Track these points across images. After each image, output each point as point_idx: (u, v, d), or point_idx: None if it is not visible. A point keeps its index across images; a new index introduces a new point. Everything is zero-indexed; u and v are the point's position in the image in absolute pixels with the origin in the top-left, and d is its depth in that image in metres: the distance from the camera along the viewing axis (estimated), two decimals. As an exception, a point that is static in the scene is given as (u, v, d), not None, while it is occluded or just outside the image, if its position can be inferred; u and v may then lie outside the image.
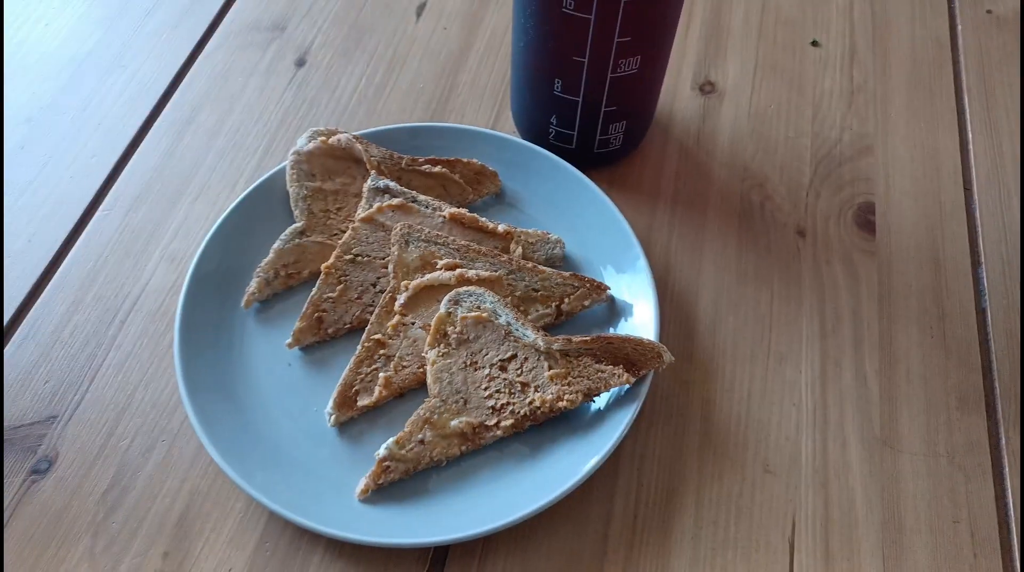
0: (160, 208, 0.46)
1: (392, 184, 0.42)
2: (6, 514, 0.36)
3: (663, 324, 0.42)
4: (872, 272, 0.45)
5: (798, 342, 0.42)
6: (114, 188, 0.46)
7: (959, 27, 0.57)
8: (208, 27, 0.55)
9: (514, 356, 0.37)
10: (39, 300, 0.42)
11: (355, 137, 0.44)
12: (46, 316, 0.41)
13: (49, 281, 0.43)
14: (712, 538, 0.36)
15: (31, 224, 0.45)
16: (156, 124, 0.50)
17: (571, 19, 0.38)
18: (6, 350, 0.40)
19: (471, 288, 0.39)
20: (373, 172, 0.43)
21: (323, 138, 0.44)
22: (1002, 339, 0.42)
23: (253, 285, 0.40)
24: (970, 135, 0.51)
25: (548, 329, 0.40)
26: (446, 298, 0.38)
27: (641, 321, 0.40)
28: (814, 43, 0.55)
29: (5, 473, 0.37)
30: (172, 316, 0.41)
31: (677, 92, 0.52)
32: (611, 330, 0.40)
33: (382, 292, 0.41)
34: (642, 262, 0.41)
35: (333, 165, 0.44)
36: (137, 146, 0.48)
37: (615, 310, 0.41)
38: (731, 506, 0.37)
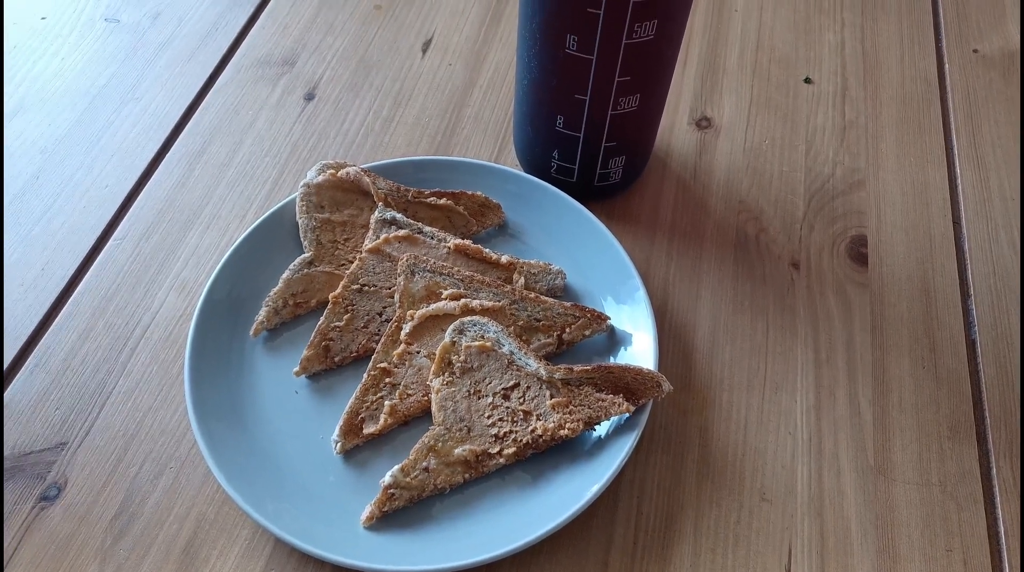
0: (171, 237, 0.47)
1: (399, 216, 0.44)
2: (16, 541, 0.36)
3: (662, 353, 0.43)
4: (865, 303, 0.46)
5: (793, 371, 0.43)
6: (126, 218, 0.48)
7: (946, 66, 0.59)
8: (220, 61, 0.56)
9: (517, 385, 0.38)
10: (51, 328, 0.43)
11: (363, 170, 0.45)
12: (57, 344, 0.42)
13: (61, 309, 0.44)
14: (710, 565, 0.37)
15: (45, 253, 0.46)
16: (168, 155, 0.51)
17: (573, 59, 0.40)
18: (18, 378, 0.41)
19: (475, 318, 0.40)
20: (380, 204, 0.44)
21: (332, 171, 0.45)
22: (992, 369, 0.43)
23: (262, 314, 0.41)
24: (958, 170, 0.52)
25: (550, 358, 0.41)
26: (450, 327, 0.39)
27: (640, 350, 0.41)
28: (807, 80, 0.57)
29: (14, 500, 0.37)
30: (181, 344, 0.42)
31: (675, 127, 0.54)
32: (611, 359, 0.41)
33: (388, 321, 0.42)
34: (641, 293, 0.42)
35: (341, 197, 0.45)
36: (149, 176, 0.50)
37: (615, 339, 0.42)
38: (728, 534, 0.38)
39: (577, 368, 0.38)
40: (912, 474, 0.40)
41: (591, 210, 0.46)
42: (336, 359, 0.40)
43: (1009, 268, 0.47)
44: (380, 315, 0.42)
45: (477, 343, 0.39)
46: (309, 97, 0.55)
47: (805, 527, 0.38)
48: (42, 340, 0.42)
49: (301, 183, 0.45)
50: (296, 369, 0.40)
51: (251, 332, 0.41)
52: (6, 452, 0.39)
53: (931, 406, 0.42)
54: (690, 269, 0.47)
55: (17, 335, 0.42)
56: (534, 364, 0.38)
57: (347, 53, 0.57)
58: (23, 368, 0.41)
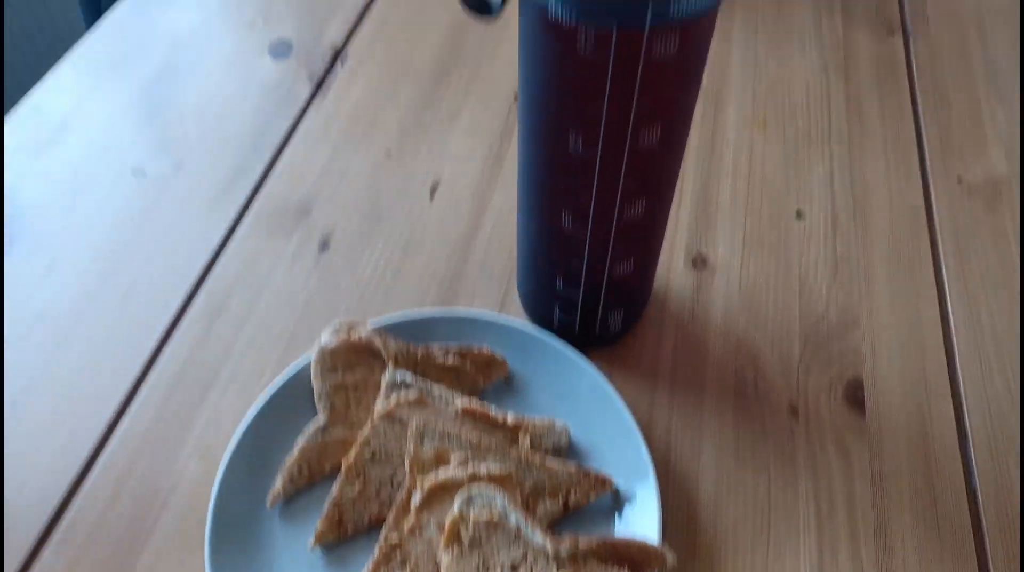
0: (192, 400, 0.49)
1: (409, 378, 0.46)
2: None
3: (665, 511, 0.44)
4: (864, 453, 0.47)
5: (795, 531, 0.44)
6: (149, 380, 0.50)
7: (933, 195, 0.61)
8: (239, 211, 0.60)
9: (524, 557, 0.39)
10: (77, 499, 0.45)
11: (374, 330, 0.47)
12: (83, 517, 0.44)
13: (87, 479, 0.46)
14: None
15: (72, 419, 0.48)
16: (189, 311, 0.54)
17: (569, 235, 0.42)
18: (45, 554, 0.43)
19: (482, 487, 0.41)
20: (391, 365, 0.46)
21: (345, 333, 0.47)
22: (993, 519, 0.44)
23: (278, 484, 0.43)
24: (949, 307, 0.54)
25: (554, 522, 0.42)
26: (458, 498, 0.41)
27: (643, 514, 0.42)
28: (798, 215, 0.59)
29: None
30: (202, 513, 0.43)
31: (672, 267, 0.56)
32: (615, 519, 0.43)
33: (400, 486, 0.43)
34: (645, 457, 0.43)
35: (354, 358, 0.47)
36: (171, 335, 0.52)
37: (619, 501, 0.43)
38: None
39: (582, 543, 0.39)
40: (917, 636, 0.40)
41: (593, 356, 0.47)
42: (350, 529, 0.42)
43: (1005, 412, 0.49)
44: (392, 481, 0.43)
45: (485, 516, 0.40)
46: (324, 247, 0.57)
47: None
48: (68, 512, 0.44)
49: (316, 347, 0.47)
50: (311, 540, 0.41)
51: (268, 503, 0.43)
52: (33, 629, 0.40)
53: (936, 565, 0.42)
54: (692, 418, 0.48)
55: (45, 506, 0.44)
56: (540, 539, 0.39)
57: (359, 199, 0.61)
58: (49, 542, 0.43)
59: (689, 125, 0.39)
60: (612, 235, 0.41)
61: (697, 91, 0.38)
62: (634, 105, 0.34)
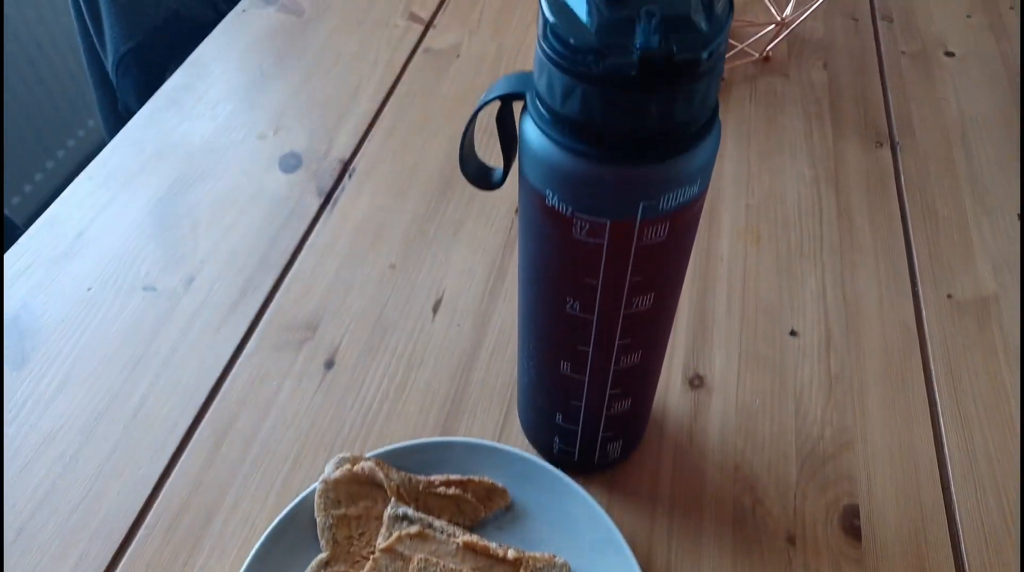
0: (197, 525, 0.50)
1: (410, 512, 0.47)
2: None
3: (665, 648, 0.44)
4: (861, 583, 0.47)
5: (795, 665, 0.44)
6: (157, 503, 0.51)
7: (923, 312, 0.62)
8: (248, 328, 0.61)
9: None
10: (83, 631, 0.45)
11: (376, 462, 0.48)
12: (89, 649, 0.44)
13: (93, 609, 0.46)
14: None
15: (81, 543, 0.49)
16: (198, 432, 0.55)
17: (567, 379, 0.44)
18: None
19: (483, 628, 0.42)
20: (393, 499, 0.47)
21: (348, 465, 0.48)
22: (992, 656, 0.44)
23: (281, 619, 0.44)
24: (943, 429, 0.55)
25: (556, 661, 0.43)
26: (460, 639, 0.41)
27: (643, 655, 0.42)
28: (792, 333, 0.61)
29: None
30: (205, 648, 0.44)
31: (669, 387, 0.57)
32: (615, 660, 0.43)
33: (400, 621, 0.44)
34: (642, 592, 0.44)
35: (357, 490, 0.48)
36: (180, 456, 0.53)
37: (618, 637, 0.44)
38: None
39: None
40: None
41: (593, 483, 0.48)
42: (351, 671, 0.42)
43: (1002, 540, 0.49)
44: (393, 616, 0.44)
45: (485, 660, 0.40)
46: (329, 364, 0.59)
47: None
48: (73, 645, 0.45)
49: (320, 479, 0.48)
50: None
51: (271, 639, 0.43)
52: None
53: None
54: (691, 547, 0.49)
55: (50, 640, 0.45)
56: None
57: (365, 315, 0.62)
58: None
59: (680, 286, 0.41)
60: (609, 380, 0.43)
61: (687, 261, 0.40)
62: (628, 280, 0.36)
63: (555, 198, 0.35)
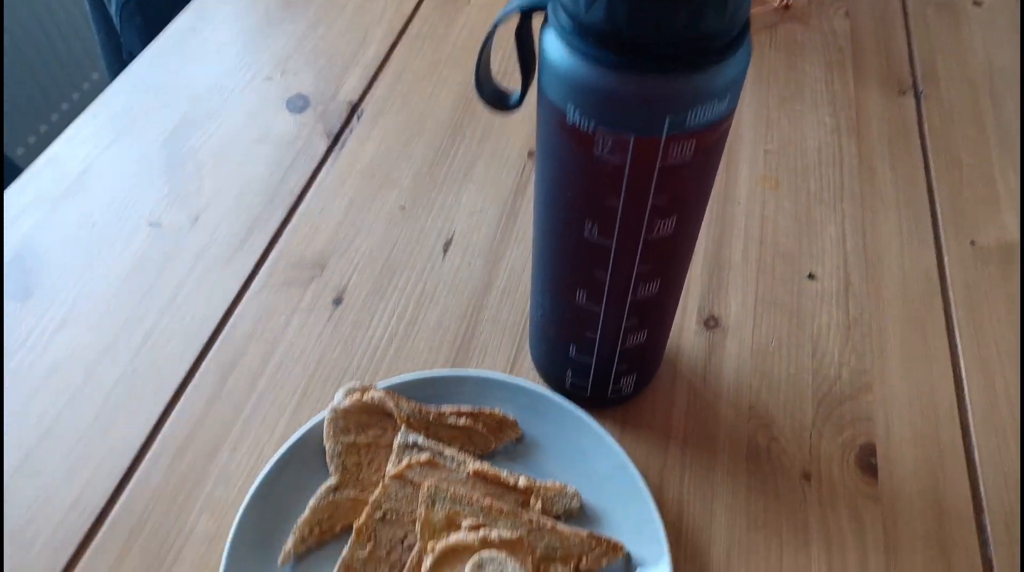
0: (203, 456, 0.49)
1: (420, 439, 0.46)
2: None
3: (677, 579, 0.43)
4: (877, 520, 0.46)
5: (809, 598, 0.43)
6: (161, 435, 0.50)
7: (946, 259, 0.61)
8: (255, 265, 0.60)
9: (534, 627, 0.39)
10: (87, 553, 0.45)
11: (387, 392, 0.48)
12: (94, 569, 0.44)
13: (98, 532, 0.46)
14: None
15: (84, 473, 0.48)
16: (203, 365, 0.54)
17: (583, 310, 0.43)
18: (55, 609, 0.43)
19: (493, 553, 0.41)
20: (403, 426, 0.46)
21: (357, 395, 0.48)
22: (1011, 594, 0.44)
23: (289, 543, 0.43)
24: (964, 373, 0.54)
25: (567, 589, 0.42)
26: (470, 563, 0.41)
27: (656, 583, 0.41)
28: (810, 276, 0.60)
29: None
30: (213, 568, 0.43)
31: (684, 328, 0.56)
32: (627, 589, 0.42)
33: (410, 547, 0.43)
34: (657, 522, 0.43)
35: (367, 419, 0.47)
36: (185, 389, 0.53)
37: (630, 567, 0.43)
38: None
39: (593, 614, 0.39)
40: None
41: (605, 418, 0.48)
42: (359, 594, 0.42)
43: (1020, 483, 0.48)
44: (403, 542, 0.43)
45: (496, 584, 0.40)
46: (337, 302, 0.58)
47: None
48: (78, 568, 0.44)
49: (329, 407, 0.47)
50: (320, 605, 0.41)
51: (279, 562, 0.43)
52: None
53: (950, 638, 0.42)
54: (704, 481, 0.48)
55: (56, 561, 0.44)
56: (551, 609, 0.39)
57: (374, 254, 0.61)
58: (59, 600, 0.43)
59: (703, 212, 0.40)
60: (626, 311, 0.42)
61: (711, 185, 0.39)
62: (650, 202, 0.35)
63: (576, 114, 0.34)
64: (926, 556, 0.45)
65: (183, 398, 0.52)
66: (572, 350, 0.46)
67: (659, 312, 0.45)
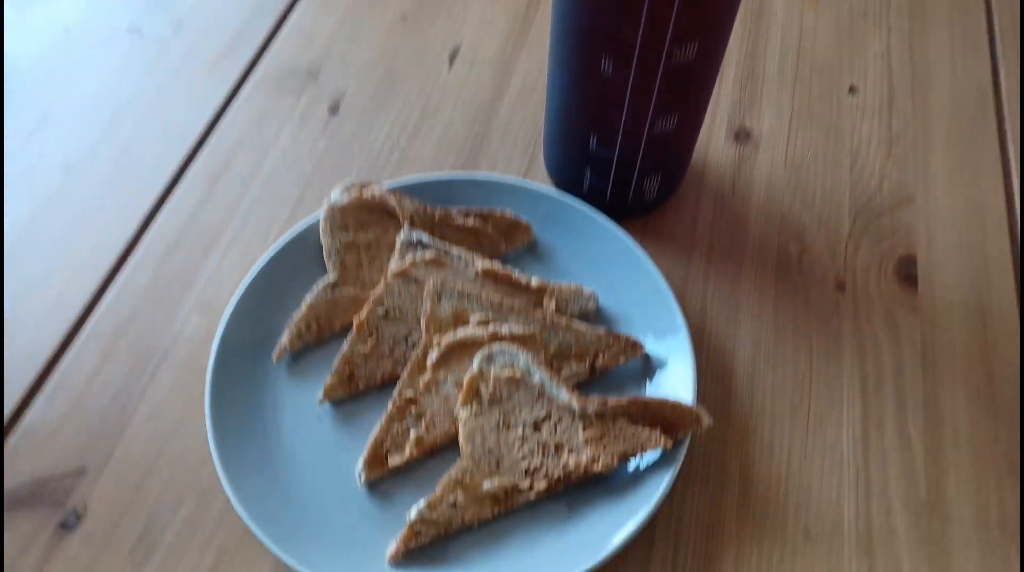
0: (193, 257, 0.46)
1: (425, 237, 0.42)
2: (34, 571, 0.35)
3: (699, 380, 0.41)
4: (915, 329, 0.43)
5: (839, 402, 0.41)
6: (147, 236, 0.47)
7: (1001, 72, 0.56)
8: (243, 73, 0.55)
9: (548, 416, 0.37)
10: (71, 349, 0.42)
11: (389, 190, 0.44)
12: (78, 366, 0.41)
13: (82, 330, 0.43)
14: (752, 610, 0.35)
15: (66, 271, 0.45)
16: (190, 171, 0.50)
17: (608, 82, 0.38)
18: (37, 401, 0.40)
19: (504, 345, 0.38)
20: (406, 225, 0.43)
21: (357, 191, 0.44)
22: (1054, 401, 0.41)
23: (285, 338, 0.40)
24: (1015, 185, 0.49)
25: (580, 386, 0.39)
26: (478, 356, 0.38)
27: (677, 379, 0.39)
28: (851, 90, 0.54)
29: (34, 528, 0.36)
30: (203, 367, 0.41)
31: (712, 139, 0.52)
32: (646, 387, 0.40)
33: (414, 346, 0.40)
34: (679, 319, 0.40)
35: (366, 217, 0.44)
36: (171, 193, 0.49)
37: (649, 367, 0.40)
38: (772, 576, 0.36)
39: (612, 401, 0.36)
40: (969, 513, 0.37)
41: (624, 227, 0.44)
42: (360, 386, 0.39)
43: (1071, 291, 0.45)
44: (406, 340, 0.40)
45: (506, 373, 0.37)
46: (334, 110, 0.53)
47: (853, 568, 0.36)
48: (63, 362, 0.42)
49: (325, 203, 0.43)
50: (319, 396, 0.39)
51: (274, 357, 0.40)
52: (26, 478, 0.38)
53: (988, 441, 0.39)
54: (729, 291, 0.45)
55: (37, 356, 0.42)
56: (566, 396, 0.36)
57: (373, 64, 0.56)
58: (43, 391, 0.41)
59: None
60: (657, 81, 0.37)
61: None
62: None
63: None
64: (965, 366, 0.42)
65: (170, 202, 0.48)
66: (593, 142, 0.42)
67: (695, 90, 0.40)
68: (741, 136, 0.52)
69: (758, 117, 0.53)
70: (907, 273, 0.45)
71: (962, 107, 0.54)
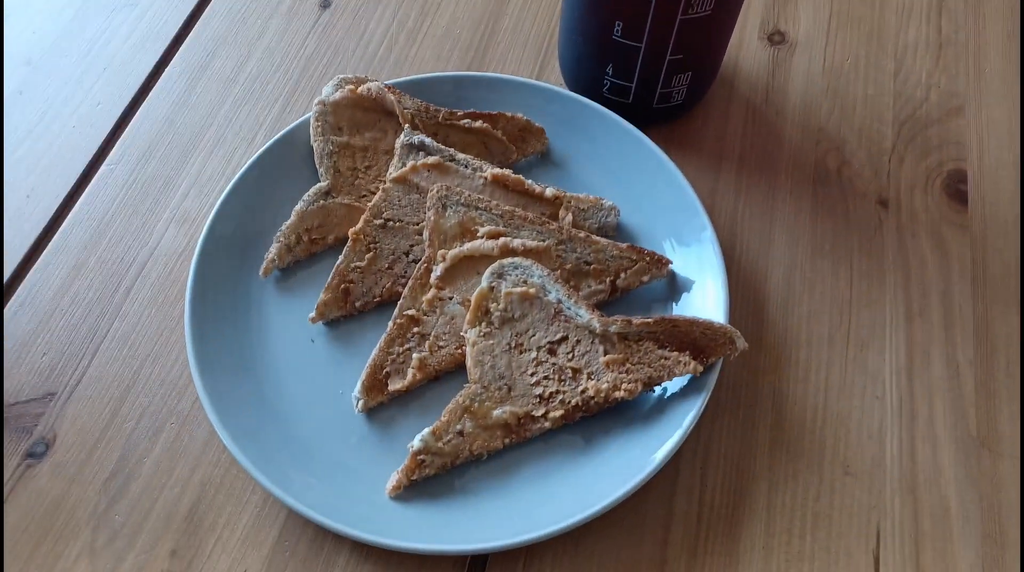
0: (171, 163, 0.41)
1: (427, 140, 0.38)
2: None
3: (730, 301, 0.37)
4: (964, 248, 0.39)
5: (881, 326, 0.37)
6: (121, 139, 0.42)
7: (1062, -27, 0.50)
8: (224, -37, 0.50)
9: (565, 338, 0.33)
10: (37, 263, 0.38)
11: (387, 86, 0.39)
12: (45, 281, 0.37)
13: (48, 242, 0.39)
14: (785, 549, 0.32)
15: (30, 177, 0.41)
16: (168, 69, 0.45)
17: (640, -50, 0.33)
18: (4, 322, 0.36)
19: (516, 260, 0.34)
20: (407, 126, 0.38)
21: (351, 87, 0.39)
22: (1114, 328, 0.37)
23: (273, 251, 0.36)
24: (1077, 95, 0.45)
25: (601, 307, 0.36)
26: (488, 271, 0.34)
27: (707, 300, 0.35)
28: (897, -11, 0.49)
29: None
30: (183, 283, 0.37)
31: (743, 42, 0.47)
32: (673, 309, 0.36)
33: (416, 262, 0.36)
34: (709, 233, 0.36)
35: (362, 118, 0.39)
36: (147, 93, 0.44)
37: (676, 287, 0.36)
38: (807, 512, 0.33)
39: (637, 321, 0.33)
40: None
41: (649, 134, 0.39)
42: (357, 304, 0.35)
43: None
44: (407, 254, 0.37)
45: (519, 289, 0.33)
46: (325, 4, 0.48)
47: (896, 506, 0.33)
48: (27, 276, 0.38)
49: (316, 101, 0.39)
50: (312, 315, 0.35)
51: (261, 272, 0.36)
52: (-11, 402, 0.34)
53: (1044, 369, 0.36)
54: (762, 206, 0.41)
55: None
56: (586, 315, 0.33)
57: (368, -46, 0.50)
58: (6, 307, 0.37)
59: None
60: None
61: None
62: None
63: None
64: (1020, 288, 0.38)
65: (145, 102, 0.44)
66: (617, 29, 0.37)
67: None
68: (775, 39, 0.47)
69: (794, 18, 0.48)
70: (956, 189, 0.41)
71: (1018, 8, 0.49)
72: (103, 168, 0.41)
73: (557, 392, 0.32)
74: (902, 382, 0.36)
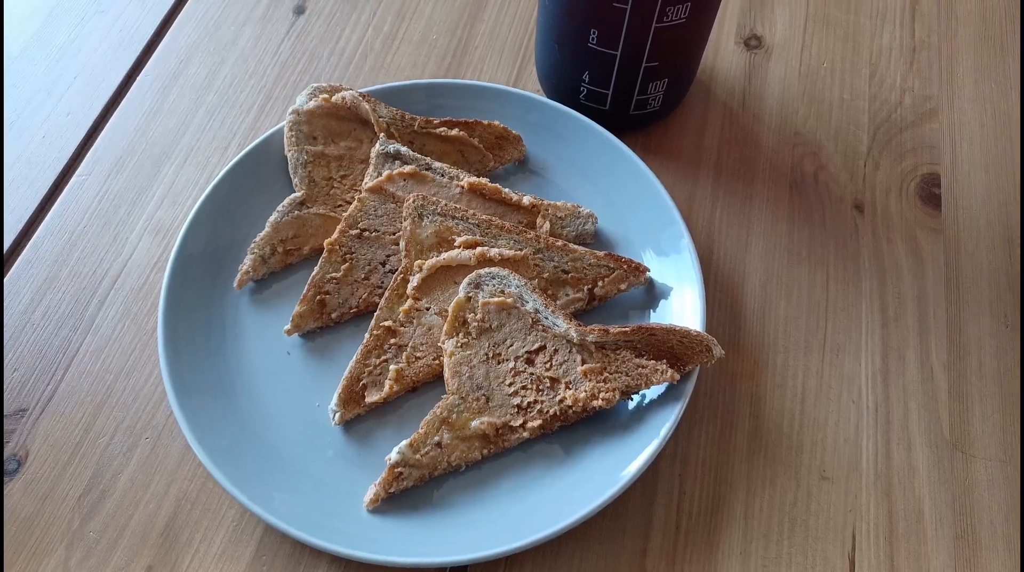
0: (143, 173, 0.41)
1: (403, 149, 0.38)
2: (-29, 520, 0.32)
3: (707, 308, 0.37)
4: (938, 252, 0.40)
5: (857, 331, 0.37)
6: (92, 150, 0.42)
7: (1033, -24, 0.51)
8: (197, -31, 0.49)
9: (542, 348, 0.33)
10: (8, 275, 0.37)
11: (362, 95, 0.39)
12: (15, 294, 0.37)
13: (19, 255, 0.38)
14: (763, 553, 0.32)
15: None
16: (139, 78, 0.44)
17: (613, -41, 0.33)
18: (-29, 333, 0.36)
19: (493, 270, 0.34)
20: (382, 135, 0.38)
21: (325, 95, 0.39)
22: (1084, 330, 0.38)
23: (247, 263, 0.36)
24: (1047, 98, 0.46)
25: (579, 316, 0.36)
26: (465, 281, 0.34)
27: (685, 307, 0.35)
28: (871, -7, 0.50)
29: (-30, 473, 0.33)
30: (156, 295, 0.37)
31: (720, 47, 0.47)
32: (651, 317, 0.36)
33: (392, 272, 0.36)
34: (686, 241, 0.36)
35: (337, 126, 0.39)
36: (118, 102, 0.43)
37: (654, 294, 0.37)
38: (784, 517, 0.33)
39: (614, 329, 0.33)
40: (994, 450, 0.35)
41: (626, 141, 0.39)
42: (333, 315, 0.35)
43: (1105, 212, 0.41)
44: (383, 265, 0.36)
45: (496, 299, 0.33)
46: (299, 10, 0.48)
47: (871, 509, 0.33)
48: (-3, 291, 0.37)
49: (290, 110, 0.38)
50: (287, 327, 0.35)
51: (235, 284, 0.36)
52: (-42, 419, 0.34)
53: (1016, 371, 0.37)
54: (739, 212, 0.41)
55: (-31, 285, 0.37)
56: (563, 324, 0.33)
57: (343, -41, 0.50)
58: (-25, 323, 0.36)
59: None
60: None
61: None
62: None
63: None
64: (993, 289, 0.39)
65: (117, 111, 0.43)
66: (593, 37, 0.37)
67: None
68: (752, 43, 0.47)
69: (769, 22, 0.48)
70: (929, 193, 0.42)
71: (991, 13, 0.49)
72: (74, 179, 0.41)
73: (535, 402, 0.32)
74: (878, 386, 0.36)
